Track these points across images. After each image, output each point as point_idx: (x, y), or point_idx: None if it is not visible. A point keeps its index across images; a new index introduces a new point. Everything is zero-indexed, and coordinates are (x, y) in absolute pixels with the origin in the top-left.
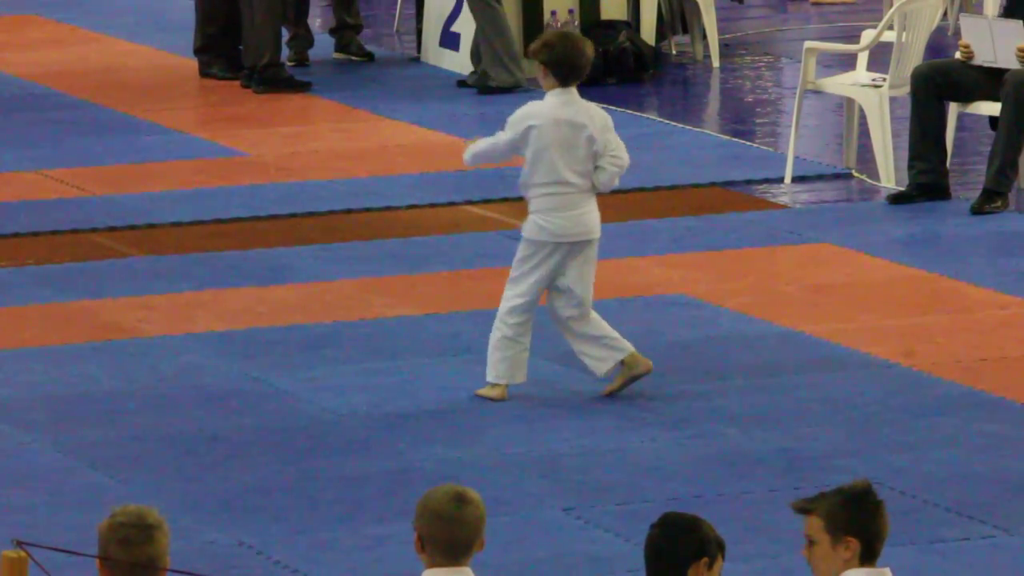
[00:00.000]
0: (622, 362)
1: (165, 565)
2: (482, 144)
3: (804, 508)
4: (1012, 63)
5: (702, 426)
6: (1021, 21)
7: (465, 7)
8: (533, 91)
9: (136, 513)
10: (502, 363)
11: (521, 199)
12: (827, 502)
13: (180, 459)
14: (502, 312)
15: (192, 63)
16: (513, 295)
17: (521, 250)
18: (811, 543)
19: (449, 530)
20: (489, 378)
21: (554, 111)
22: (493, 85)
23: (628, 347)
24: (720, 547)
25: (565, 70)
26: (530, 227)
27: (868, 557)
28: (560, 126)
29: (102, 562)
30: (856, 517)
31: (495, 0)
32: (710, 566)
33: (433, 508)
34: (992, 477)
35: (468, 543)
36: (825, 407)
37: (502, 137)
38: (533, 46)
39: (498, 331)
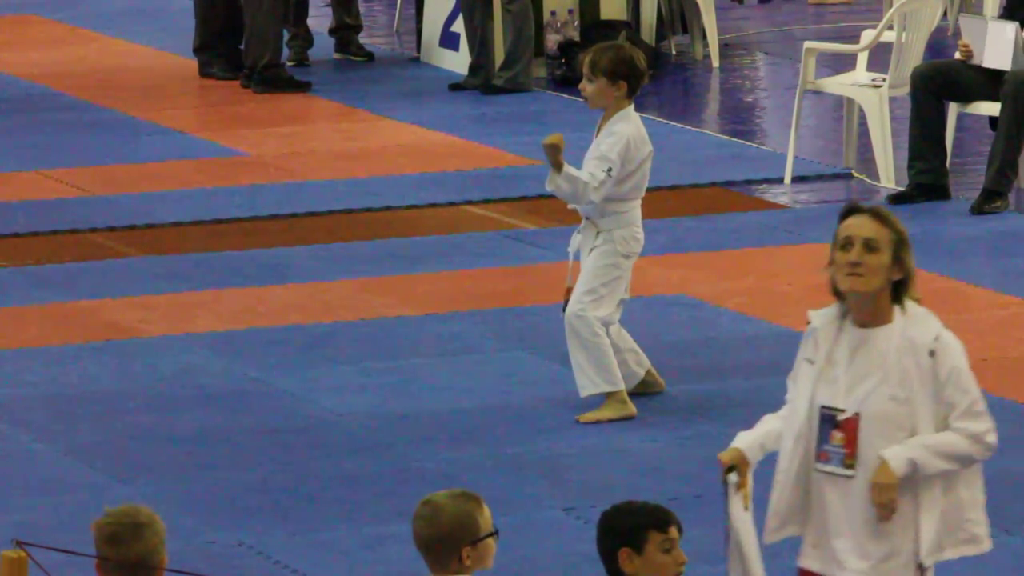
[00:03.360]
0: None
1: (158, 563)
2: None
3: None
4: (1004, 63)
5: (702, 426)
6: (1018, 23)
7: (467, 6)
8: (534, 92)
9: (125, 511)
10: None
11: (521, 199)
12: None
13: (180, 459)
14: (595, 325)
15: (192, 63)
16: (602, 309)
17: (615, 267)
18: None
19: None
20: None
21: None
22: (499, 84)
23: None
24: (652, 526)
25: (642, 83)
26: (629, 239)
27: None
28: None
29: (98, 561)
30: None
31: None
32: (639, 552)
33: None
34: (992, 477)
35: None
36: None
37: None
38: (604, 61)
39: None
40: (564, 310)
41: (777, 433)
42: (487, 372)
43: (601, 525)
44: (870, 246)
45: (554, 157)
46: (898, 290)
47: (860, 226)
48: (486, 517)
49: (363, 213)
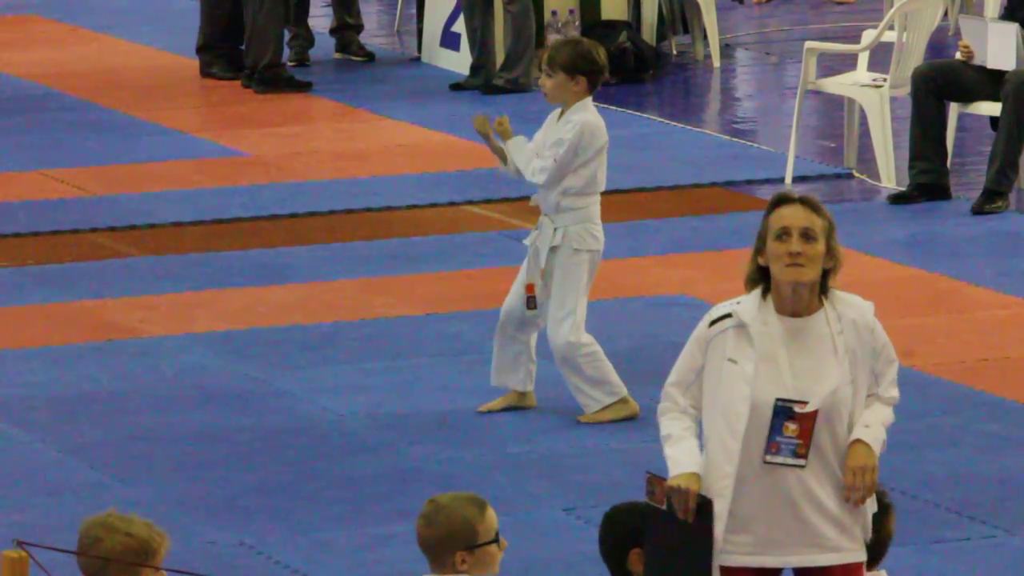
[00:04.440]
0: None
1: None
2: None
3: None
4: (1006, 64)
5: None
6: (1017, 23)
7: (467, 6)
8: (535, 92)
9: (100, 522)
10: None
11: (521, 199)
12: None
13: (180, 459)
14: (582, 347)
15: (192, 63)
16: (583, 328)
17: (576, 268)
18: None
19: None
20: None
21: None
22: (500, 84)
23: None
24: None
25: (602, 79)
26: (584, 236)
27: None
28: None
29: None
30: None
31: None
32: None
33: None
34: (992, 477)
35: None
36: None
37: (569, 156)
38: (562, 56)
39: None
40: (529, 307)
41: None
42: (487, 372)
43: (608, 525)
44: (808, 235)
45: (494, 144)
46: (825, 277)
47: (795, 216)
48: (487, 524)
49: (363, 213)
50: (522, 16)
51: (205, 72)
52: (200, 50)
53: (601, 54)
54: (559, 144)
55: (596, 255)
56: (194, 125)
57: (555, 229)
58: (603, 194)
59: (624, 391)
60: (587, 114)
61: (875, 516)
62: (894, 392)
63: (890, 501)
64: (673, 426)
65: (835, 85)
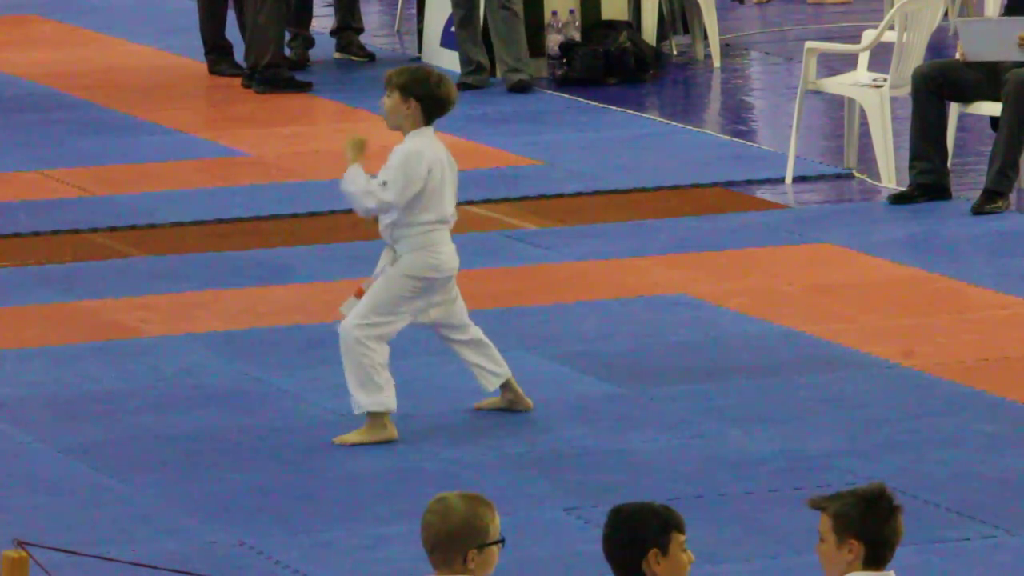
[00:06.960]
0: (503, 387)
1: None
2: (369, 189)
3: (818, 505)
4: (1012, 55)
5: (702, 426)
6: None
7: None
8: (535, 92)
9: None
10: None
11: (521, 199)
12: (839, 502)
13: (180, 459)
14: (365, 337)
15: (192, 63)
16: (374, 331)
17: (400, 287)
18: (821, 540)
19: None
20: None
21: (439, 150)
22: (508, 85)
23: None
24: (674, 527)
25: (440, 110)
26: (419, 264)
27: (874, 561)
28: (448, 165)
29: None
30: (862, 521)
31: (518, 7)
32: (665, 552)
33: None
34: (992, 477)
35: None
36: (825, 407)
37: (395, 187)
38: (402, 78)
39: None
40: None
41: None
42: None
43: (623, 526)
44: None
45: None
46: None
47: None
48: (496, 524)
49: None
50: (513, 16)
51: (213, 70)
52: (208, 51)
53: (443, 87)
54: (386, 175)
55: (435, 279)
56: (194, 125)
57: (395, 259)
58: (604, 194)
59: (388, 408)
60: (412, 143)
61: (881, 516)
62: None
63: (899, 503)
64: None
65: (835, 85)
